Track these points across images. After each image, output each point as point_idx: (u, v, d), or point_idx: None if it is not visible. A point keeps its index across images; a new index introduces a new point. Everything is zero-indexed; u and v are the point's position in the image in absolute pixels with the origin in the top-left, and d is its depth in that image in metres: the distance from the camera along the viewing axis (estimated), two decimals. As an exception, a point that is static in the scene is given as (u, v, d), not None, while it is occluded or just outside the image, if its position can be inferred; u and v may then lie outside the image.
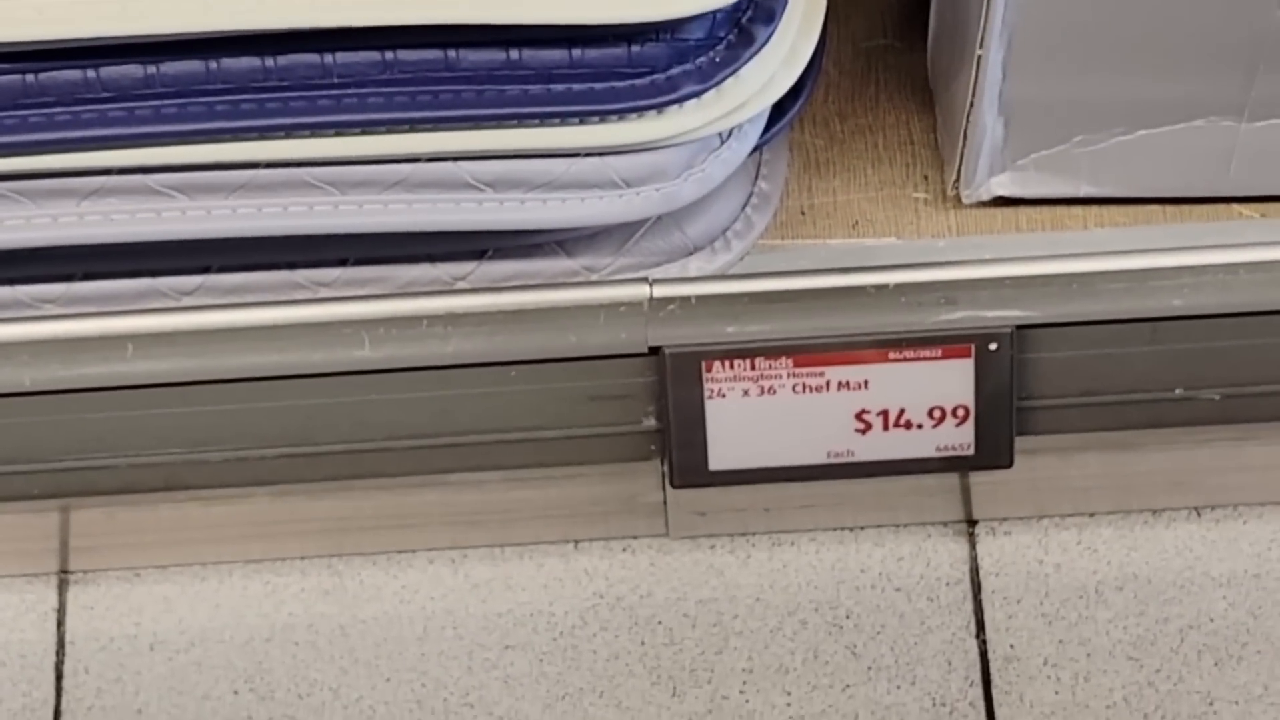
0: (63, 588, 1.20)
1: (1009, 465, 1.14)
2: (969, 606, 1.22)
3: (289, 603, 1.18)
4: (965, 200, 1.09)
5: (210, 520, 1.17)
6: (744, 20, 0.95)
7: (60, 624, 1.18)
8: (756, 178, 1.08)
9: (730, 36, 0.96)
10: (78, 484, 1.12)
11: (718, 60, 0.95)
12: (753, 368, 1.10)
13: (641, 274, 1.06)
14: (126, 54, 0.94)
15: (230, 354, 1.04)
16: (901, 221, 1.10)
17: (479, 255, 1.04)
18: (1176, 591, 1.20)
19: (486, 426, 1.15)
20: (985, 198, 1.08)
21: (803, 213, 1.11)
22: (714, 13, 0.94)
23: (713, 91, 0.95)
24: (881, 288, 1.07)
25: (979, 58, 1.01)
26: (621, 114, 0.96)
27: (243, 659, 1.13)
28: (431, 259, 1.04)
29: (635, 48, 0.94)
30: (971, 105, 1.04)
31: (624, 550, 1.26)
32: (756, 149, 1.06)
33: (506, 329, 1.06)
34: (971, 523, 1.24)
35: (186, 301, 1.01)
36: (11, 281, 1.00)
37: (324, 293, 1.04)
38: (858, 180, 1.12)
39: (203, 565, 1.18)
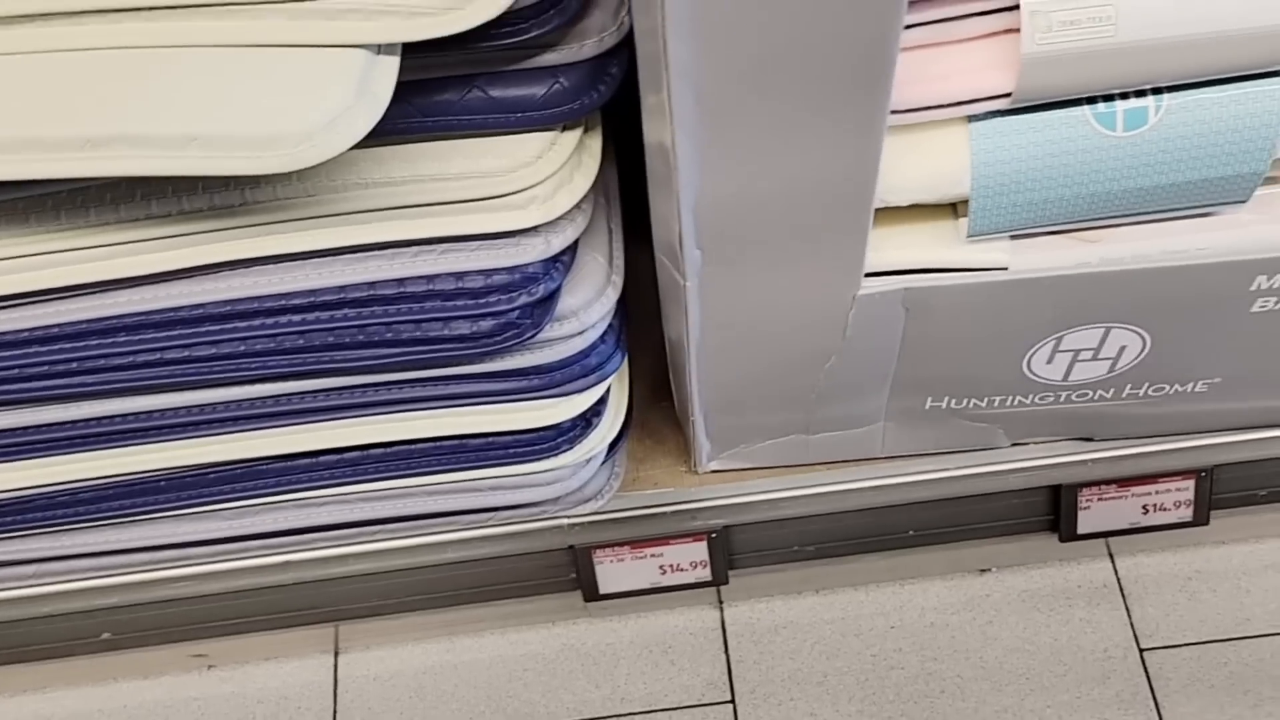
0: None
1: (726, 583, 1.51)
2: (720, 641, 1.55)
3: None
4: (700, 471, 1.43)
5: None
6: (590, 416, 1.29)
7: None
8: (613, 468, 1.40)
9: (584, 423, 1.29)
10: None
11: (578, 434, 1.28)
12: (615, 551, 1.45)
13: (563, 512, 1.40)
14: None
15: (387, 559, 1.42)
16: (675, 480, 1.44)
17: (494, 510, 1.36)
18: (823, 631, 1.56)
19: (494, 582, 1.50)
20: (706, 470, 1.43)
21: (633, 479, 1.43)
22: (572, 421, 1.27)
23: (579, 446, 1.28)
24: (666, 513, 1.43)
25: (692, 421, 1.35)
26: (541, 457, 1.29)
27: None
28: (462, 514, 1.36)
29: (541, 433, 1.26)
30: (694, 436, 1.38)
31: (563, 624, 1.57)
32: (609, 459, 1.38)
33: (505, 540, 1.42)
34: (721, 602, 1.57)
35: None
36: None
37: (410, 531, 1.38)
38: (656, 464, 1.45)
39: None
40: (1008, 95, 1.05)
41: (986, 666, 1.53)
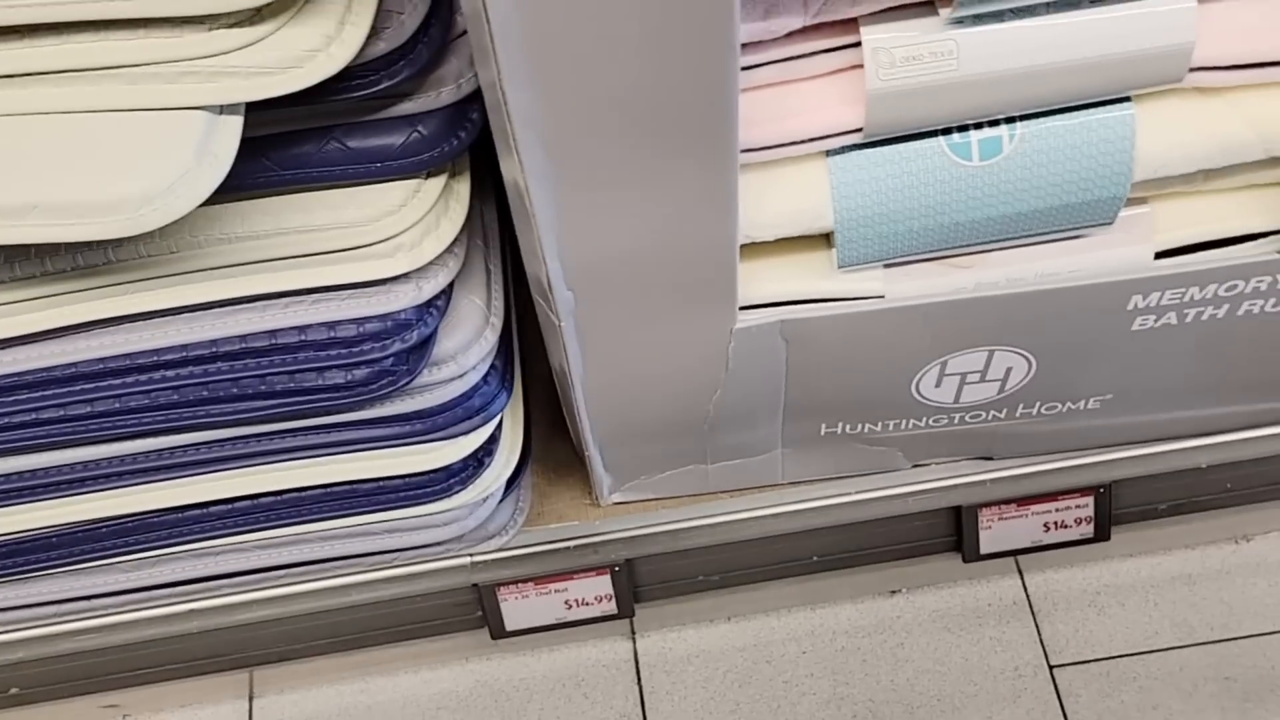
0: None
1: (632, 615, 1.52)
2: (632, 672, 1.57)
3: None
4: (602, 504, 1.45)
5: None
6: (481, 456, 1.28)
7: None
8: (518, 502, 1.41)
9: (475, 463, 1.29)
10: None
11: (470, 474, 1.28)
12: (519, 588, 1.46)
13: (468, 550, 1.42)
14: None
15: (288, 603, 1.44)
16: (579, 514, 1.45)
17: (395, 552, 1.37)
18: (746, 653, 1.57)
19: (402, 622, 1.51)
20: (609, 503, 1.45)
21: (539, 514, 1.45)
22: (462, 461, 1.27)
23: (472, 486, 1.29)
24: (568, 548, 1.44)
25: (588, 454, 1.37)
26: (433, 499, 1.29)
27: None
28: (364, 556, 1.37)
29: (430, 475, 1.26)
30: (592, 469, 1.40)
31: (476, 661, 1.59)
32: (510, 495, 1.38)
33: (409, 581, 1.43)
34: (633, 633, 1.59)
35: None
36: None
37: (314, 574, 1.40)
38: (559, 498, 1.46)
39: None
40: (859, 130, 1.05)
41: (898, 689, 1.54)
